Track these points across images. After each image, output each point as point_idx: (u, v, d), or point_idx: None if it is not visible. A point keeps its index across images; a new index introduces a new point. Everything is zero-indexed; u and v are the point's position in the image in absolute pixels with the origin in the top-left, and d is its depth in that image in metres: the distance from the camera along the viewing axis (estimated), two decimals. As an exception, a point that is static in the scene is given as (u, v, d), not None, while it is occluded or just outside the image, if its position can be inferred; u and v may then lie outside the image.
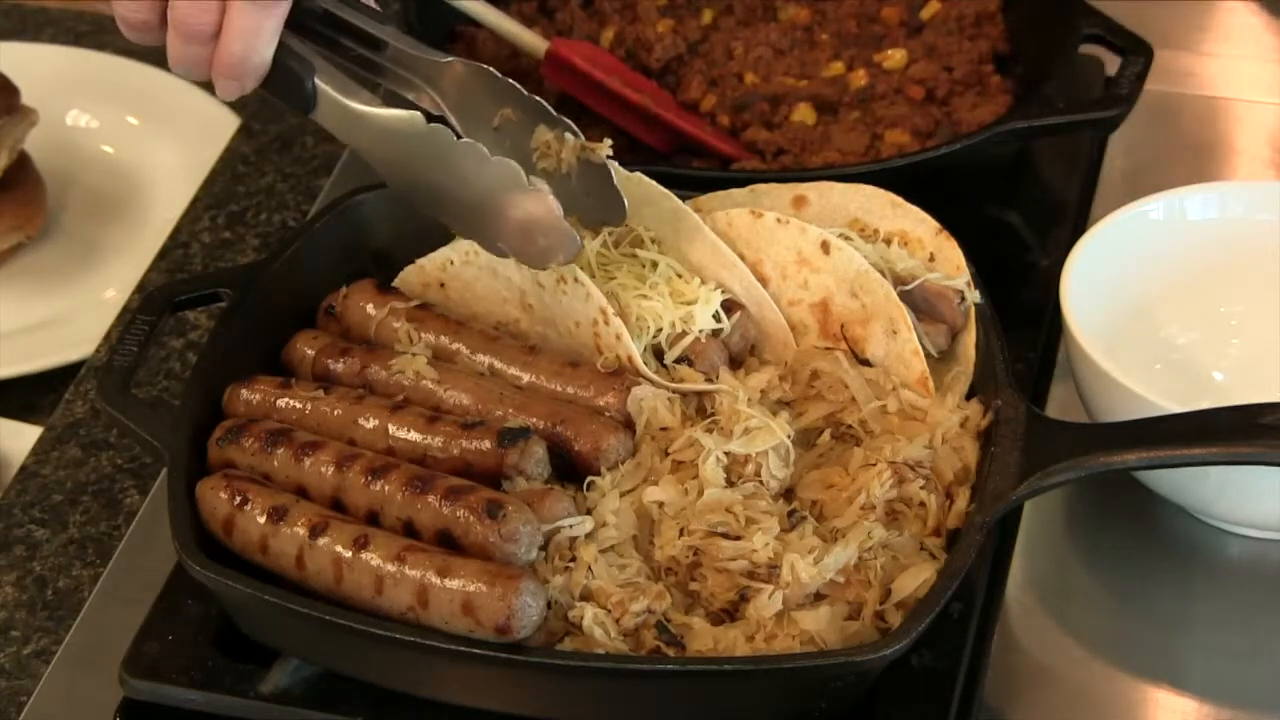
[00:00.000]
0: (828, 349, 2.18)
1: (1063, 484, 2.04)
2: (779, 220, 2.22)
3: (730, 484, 2.05)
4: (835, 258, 2.19)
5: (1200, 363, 2.38)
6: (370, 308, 2.24)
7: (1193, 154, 2.75)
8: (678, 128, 2.57)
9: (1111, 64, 2.58)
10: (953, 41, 2.67)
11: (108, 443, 2.43)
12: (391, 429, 2.09)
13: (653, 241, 2.22)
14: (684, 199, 2.23)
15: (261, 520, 2.02)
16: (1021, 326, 2.34)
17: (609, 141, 2.17)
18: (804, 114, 2.58)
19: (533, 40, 2.62)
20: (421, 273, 2.26)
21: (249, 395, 2.16)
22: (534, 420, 2.09)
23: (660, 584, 2.00)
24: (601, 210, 2.18)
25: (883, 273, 2.18)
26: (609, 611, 1.97)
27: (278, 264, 2.28)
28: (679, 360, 2.15)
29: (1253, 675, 2.15)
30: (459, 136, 2.12)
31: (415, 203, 2.20)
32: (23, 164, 2.89)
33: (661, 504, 2.04)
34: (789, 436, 2.08)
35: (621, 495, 2.05)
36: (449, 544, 1.98)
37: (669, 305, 2.16)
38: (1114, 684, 2.13)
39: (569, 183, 2.17)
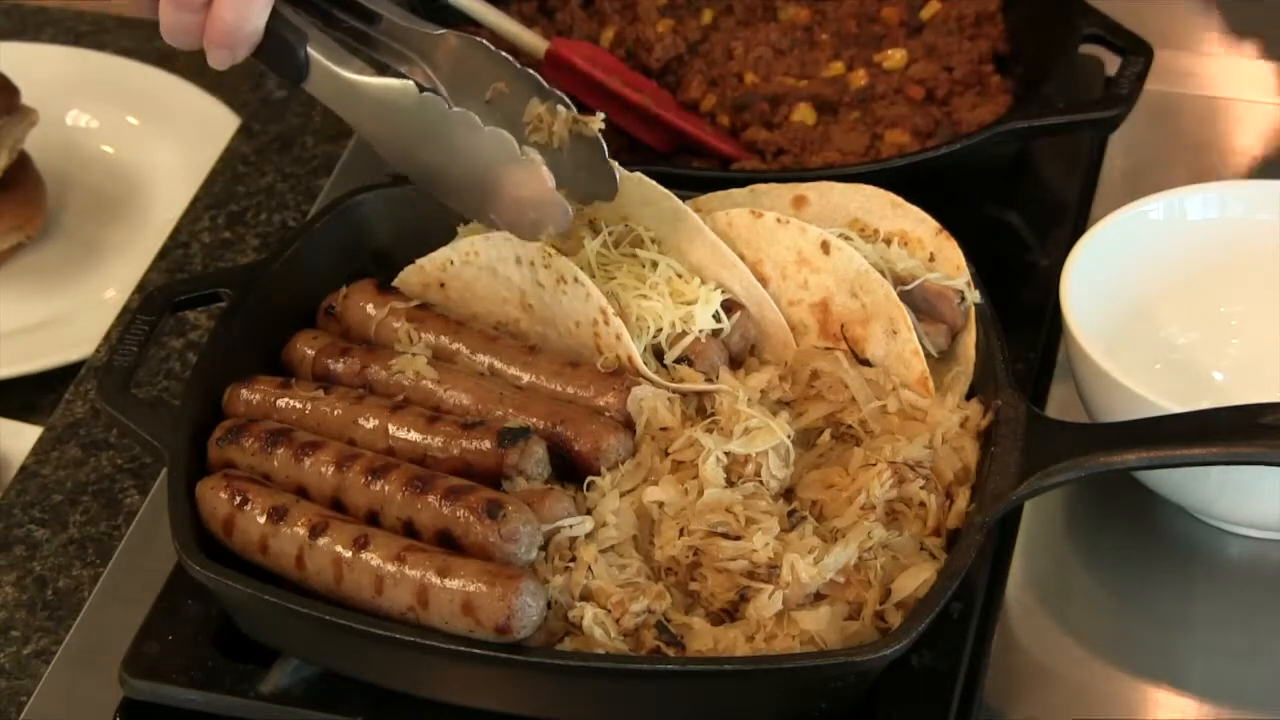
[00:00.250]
0: (828, 349, 2.18)
1: (1063, 484, 2.04)
2: (779, 220, 2.22)
3: (730, 484, 2.05)
4: (835, 258, 2.19)
5: (1200, 363, 2.38)
6: (370, 308, 2.24)
7: (1193, 154, 2.75)
8: (678, 128, 2.57)
9: (1111, 64, 2.58)
10: (953, 41, 2.67)
11: (108, 443, 2.43)
12: (391, 429, 2.09)
13: (653, 241, 2.22)
14: (684, 199, 2.23)
15: (261, 520, 2.02)
16: (1021, 326, 2.34)
17: (602, 115, 2.17)
18: (804, 114, 2.58)
19: (533, 40, 2.62)
20: (421, 273, 2.26)
21: (249, 395, 2.16)
22: (534, 420, 2.09)
23: (660, 584, 2.00)
24: (592, 184, 2.18)
25: (883, 273, 2.18)
26: (609, 611, 1.97)
27: (278, 264, 2.28)
28: (679, 360, 2.15)
29: (1253, 675, 2.15)
30: (451, 107, 2.12)
31: (408, 175, 2.19)
32: (23, 164, 2.89)
33: (661, 504, 2.04)
34: (789, 436, 2.08)
35: (621, 495, 2.05)
36: (449, 544, 1.98)
37: (669, 305, 2.16)
38: (1114, 684, 2.13)
39: (561, 156, 2.17)
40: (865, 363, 2.17)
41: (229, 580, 1.99)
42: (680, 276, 2.19)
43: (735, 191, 2.28)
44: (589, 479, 2.06)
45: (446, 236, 2.27)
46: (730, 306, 2.18)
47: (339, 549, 1.98)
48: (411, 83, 2.13)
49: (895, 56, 2.66)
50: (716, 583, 2.00)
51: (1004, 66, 2.68)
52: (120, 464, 2.41)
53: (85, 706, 2.12)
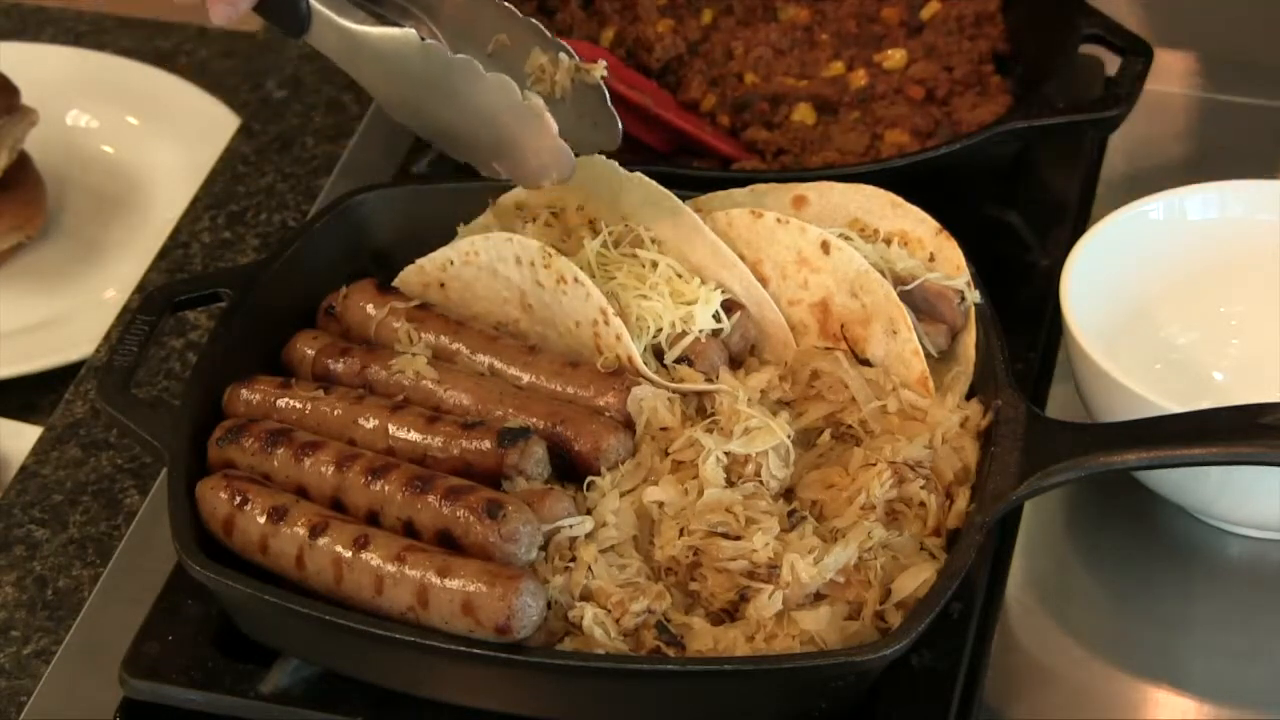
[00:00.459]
0: (828, 349, 2.18)
1: (1063, 484, 2.04)
2: (779, 220, 2.22)
3: (730, 484, 2.05)
4: (835, 258, 2.19)
5: (1200, 363, 2.38)
6: (370, 308, 2.24)
7: (1193, 154, 2.75)
8: (678, 128, 2.57)
9: (1111, 64, 2.58)
10: (953, 41, 2.67)
11: (108, 443, 2.43)
12: (391, 429, 2.09)
13: (653, 241, 2.22)
14: (684, 199, 2.23)
15: (261, 520, 2.02)
16: (1021, 326, 2.34)
17: (604, 63, 2.17)
18: (804, 114, 2.58)
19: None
20: (421, 273, 2.26)
21: (249, 395, 2.16)
22: (534, 420, 2.09)
23: (660, 584, 2.00)
24: (595, 132, 2.18)
25: (883, 273, 2.18)
26: (609, 611, 1.97)
27: (278, 264, 2.28)
28: (679, 360, 2.15)
29: (1253, 675, 2.15)
30: (453, 55, 2.12)
31: (411, 126, 2.19)
32: (23, 164, 2.89)
33: (661, 504, 2.04)
34: (789, 436, 2.08)
35: (621, 495, 2.05)
36: (449, 544, 1.98)
37: (669, 305, 2.17)
38: (1114, 684, 2.14)
39: (564, 106, 2.17)
40: (865, 363, 2.17)
41: (229, 580, 1.99)
42: (680, 276, 2.19)
43: (735, 191, 2.28)
44: (589, 479, 2.06)
45: (446, 236, 2.27)
46: (730, 306, 2.18)
47: (339, 549, 1.98)
48: (413, 32, 2.12)
49: (895, 56, 2.66)
50: (716, 583, 2.00)
51: (1004, 66, 2.68)
52: (120, 464, 2.41)
53: (85, 706, 2.12)
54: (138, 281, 2.66)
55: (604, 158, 2.23)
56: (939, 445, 2.08)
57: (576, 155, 2.12)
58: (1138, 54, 2.53)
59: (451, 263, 2.24)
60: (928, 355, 2.16)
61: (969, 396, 2.14)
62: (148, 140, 3.03)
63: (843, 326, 2.19)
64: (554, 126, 2.08)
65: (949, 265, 2.20)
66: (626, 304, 2.17)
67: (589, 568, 1.99)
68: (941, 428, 2.09)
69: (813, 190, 2.26)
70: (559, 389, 2.13)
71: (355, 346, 2.21)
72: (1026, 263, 2.55)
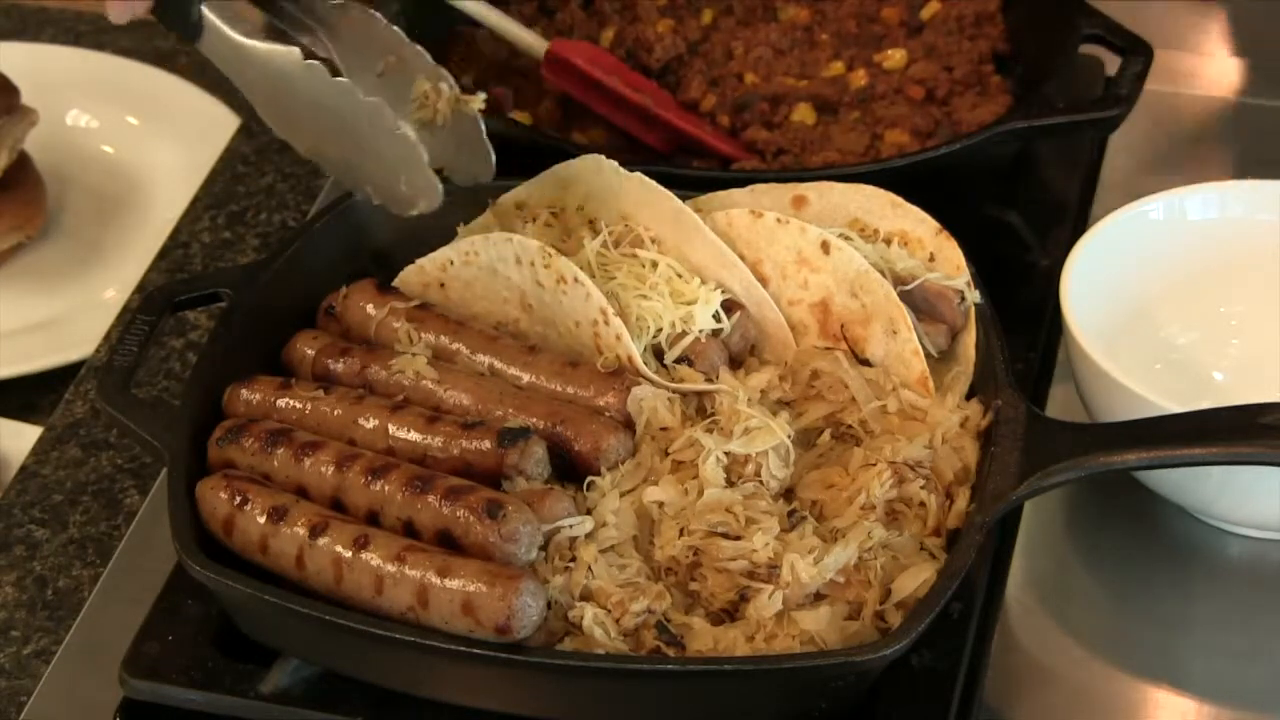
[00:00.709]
0: (828, 349, 2.18)
1: (1063, 484, 2.04)
2: (779, 220, 2.22)
3: (730, 484, 2.05)
4: (835, 258, 2.19)
5: (1200, 363, 2.38)
6: (370, 308, 2.24)
7: (1193, 154, 2.75)
8: (678, 128, 2.57)
9: (1111, 64, 2.58)
10: (953, 41, 2.67)
11: (108, 443, 2.43)
12: (391, 429, 2.09)
13: (653, 241, 2.22)
14: (684, 199, 2.23)
15: (261, 520, 2.02)
16: (1021, 326, 2.34)
17: (483, 95, 2.21)
18: (804, 114, 2.58)
19: (533, 40, 2.62)
20: (421, 273, 2.26)
21: (249, 395, 2.16)
22: (534, 420, 2.09)
23: (660, 584, 2.00)
24: (472, 163, 2.24)
25: (883, 273, 2.18)
26: (609, 611, 1.97)
27: (278, 264, 2.28)
28: (679, 360, 2.15)
29: (1253, 675, 2.15)
30: (334, 76, 2.14)
31: (290, 141, 2.23)
32: (23, 164, 2.89)
33: (661, 504, 2.04)
34: (789, 436, 2.08)
35: (621, 495, 2.05)
36: (449, 544, 1.98)
37: (669, 305, 2.17)
38: (1114, 684, 2.14)
39: (444, 134, 2.21)
40: (865, 363, 2.17)
41: (229, 580, 1.99)
42: (680, 276, 2.19)
43: (735, 191, 2.28)
44: (589, 479, 2.06)
45: (446, 236, 2.27)
46: (730, 306, 2.18)
47: (339, 549, 1.98)
48: (297, 50, 2.16)
49: (895, 56, 2.66)
50: (716, 583, 2.00)
51: (1004, 66, 2.68)
52: (120, 464, 2.41)
53: (85, 706, 2.12)
54: (138, 281, 2.66)
55: (604, 158, 2.24)
56: (939, 445, 2.08)
57: (447, 185, 2.16)
58: (1138, 54, 2.53)
59: (451, 263, 2.24)
60: (928, 355, 2.16)
61: (969, 396, 2.14)
62: (148, 140, 3.03)
63: (843, 326, 2.19)
64: (424, 157, 2.12)
65: (949, 265, 2.20)
66: (626, 304, 2.17)
67: (589, 568, 1.99)
68: (941, 428, 2.09)
69: (813, 190, 2.26)
70: (559, 389, 2.13)
71: (355, 346, 2.21)
72: (1026, 263, 2.55)
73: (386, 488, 2.01)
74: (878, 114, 2.58)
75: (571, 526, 2.01)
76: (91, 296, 2.82)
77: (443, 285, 2.25)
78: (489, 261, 2.21)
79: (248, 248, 2.69)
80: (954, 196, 2.27)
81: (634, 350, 2.13)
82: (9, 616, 2.25)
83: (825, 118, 2.59)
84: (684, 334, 2.16)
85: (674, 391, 2.12)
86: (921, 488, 2.04)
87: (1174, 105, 2.79)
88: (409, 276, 2.27)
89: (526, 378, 2.15)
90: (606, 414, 2.11)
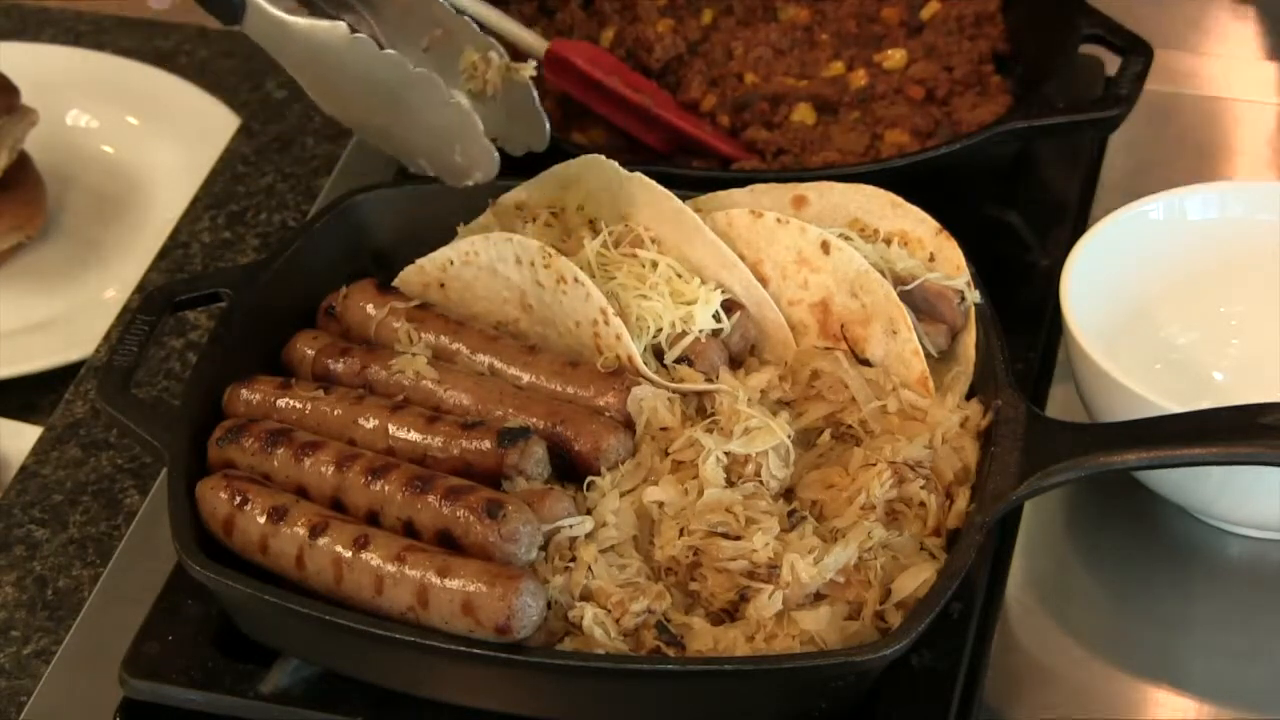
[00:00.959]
0: (828, 349, 2.18)
1: (1063, 484, 2.04)
2: (779, 220, 2.22)
3: (730, 484, 2.05)
4: (835, 258, 2.19)
5: (1200, 363, 2.38)
6: (370, 308, 2.24)
7: (1193, 154, 2.75)
8: (678, 128, 2.57)
9: (1111, 64, 2.58)
10: (953, 41, 2.67)
11: (108, 443, 2.43)
12: (391, 429, 2.09)
13: (653, 241, 2.22)
14: (684, 199, 2.23)
15: (261, 520, 2.02)
16: (1021, 326, 2.34)
17: (533, 62, 2.19)
18: (804, 114, 2.58)
19: (533, 40, 2.61)
20: (421, 273, 2.26)
21: (249, 395, 2.16)
22: (534, 420, 2.09)
23: (660, 584, 2.00)
24: (524, 132, 2.21)
25: (883, 273, 2.18)
26: (609, 611, 1.96)
27: (278, 264, 2.28)
28: (679, 360, 2.15)
29: (1253, 675, 2.15)
30: (381, 49, 2.13)
31: (340, 118, 2.21)
32: (23, 164, 2.89)
33: (661, 504, 2.04)
34: (789, 436, 2.08)
35: (621, 495, 2.05)
36: (449, 544, 1.98)
37: (669, 305, 2.17)
38: (1114, 684, 2.13)
39: (494, 104, 2.19)
40: (865, 363, 2.17)
41: (229, 580, 1.99)
42: (680, 276, 2.19)
43: (735, 191, 2.28)
44: (589, 479, 2.06)
45: (446, 236, 2.27)
46: (730, 306, 2.18)
47: (339, 549, 1.98)
48: (343, 24, 2.14)
49: (895, 56, 2.66)
50: (716, 583, 2.00)
51: (1004, 66, 2.68)
52: (120, 464, 2.41)
53: (85, 706, 2.12)
54: (138, 281, 2.66)
55: (604, 158, 2.24)
56: (939, 445, 2.08)
57: (504, 155, 2.14)
58: (1138, 54, 2.53)
59: (451, 263, 2.24)
60: (928, 355, 2.16)
61: (969, 396, 2.14)
62: (148, 140, 3.03)
63: (843, 326, 2.19)
64: (479, 125, 2.10)
65: (949, 265, 2.20)
66: (626, 304, 2.17)
67: (589, 568, 1.99)
68: (941, 428, 2.09)
69: (813, 190, 2.26)
70: (559, 389, 2.13)
71: (355, 346, 2.21)
72: (1026, 263, 2.55)
73: (386, 488, 2.01)
74: (878, 114, 2.58)
75: (571, 526, 2.01)
76: (91, 296, 2.82)
77: (443, 285, 2.25)
78: (489, 261, 2.21)
79: (248, 248, 2.68)
80: (954, 196, 2.27)
81: (634, 350, 2.13)
82: (9, 616, 2.25)
83: (825, 118, 2.59)
84: (684, 334, 2.16)
85: (674, 391, 2.12)
86: (921, 488, 2.04)
87: (1174, 105, 2.79)
88: (409, 276, 2.27)
89: (526, 378, 2.15)
90: (606, 414, 2.11)
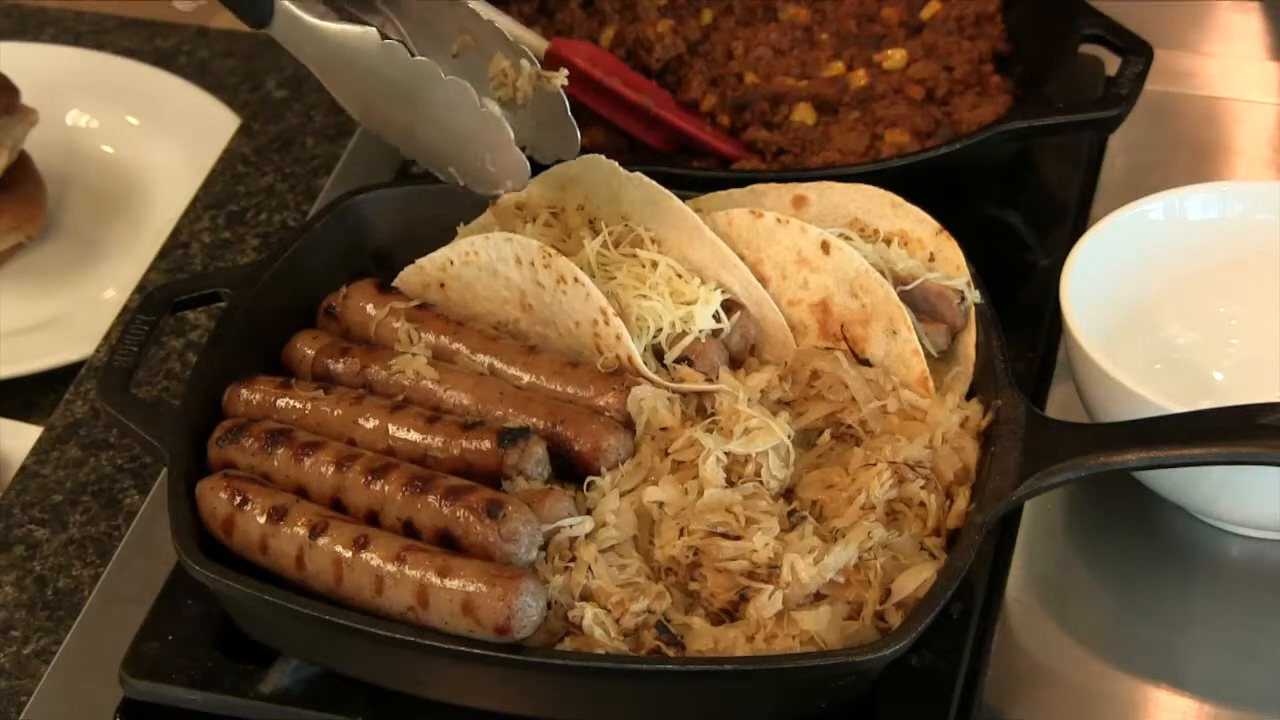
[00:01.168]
0: (828, 349, 2.18)
1: (1063, 484, 2.04)
2: (779, 220, 2.22)
3: (730, 484, 2.05)
4: (835, 258, 2.19)
5: (1200, 363, 2.38)
6: (370, 308, 2.24)
7: (1193, 154, 2.75)
8: (678, 128, 2.57)
9: (1111, 64, 2.58)
10: (953, 41, 2.67)
11: (108, 443, 2.43)
12: (391, 429, 2.09)
13: (653, 241, 2.22)
14: (684, 199, 2.23)
15: (261, 520, 2.02)
16: (1021, 326, 2.34)
17: (565, 71, 2.18)
18: (804, 114, 2.58)
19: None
20: (421, 273, 2.26)
21: (249, 395, 2.16)
22: (534, 420, 2.09)
23: (660, 584, 2.00)
24: (555, 142, 2.19)
25: (883, 273, 2.18)
26: (609, 611, 1.97)
27: (278, 264, 2.28)
28: (679, 360, 2.15)
29: (1253, 675, 2.15)
30: (413, 56, 2.12)
31: (367, 124, 2.19)
32: (23, 164, 2.89)
33: (661, 504, 2.04)
34: (789, 436, 2.08)
35: (621, 495, 2.05)
36: (449, 544, 1.98)
37: (669, 305, 2.17)
38: (1114, 684, 2.13)
39: (524, 113, 2.17)
40: (865, 363, 2.17)
41: (229, 580, 1.99)
42: (680, 276, 2.19)
43: (735, 191, 2.28)
44: (589, 479, 2.06)
45: (446, 236, 2.27)
46: (730, 306, 2.18)
47: (339, 549, 1.98)
48: (374, 30, 2.12)
49: (895, 56, 2.66)
50: (716, 583, 2.00)
51: (1004, 66, 2.68)
52: (120, 464, 2.41)
53: (85, 706, 2.12)
54: (138, 281, 2.66)
55: (604, 158, 2.24)
56: (939, 445, 2.08)
57: (533, 164, 2.13)
58: (1138, 54, 2.53)
59: (451, 263, 2.24)
60: (928, 355, 2.16)
61: (969, 396, 2.14)
62: (148, 140, 3.03)
63: (843, 326, 2.19)
64: (511, 134, 2.09)
65: (949, 265, 2.20)
66: (626, 304, 2.17)
67: (589, 568, 1.99)
68: (941, 428, 2.09)
69: (813, 190, 2.26)
70: (559, 389, 2.13)
71: (355, 346, 2.21)
72: (1026, 263, 2.55)
73: (386, 488, 2.01)
74: (878, 114, 2.58)
75: (571, 526, 2.01)
76: (91, 296, 2.82)
77: (443, 285, 2.25)
78: (489, 261, 2.21)
79: (248, 248, 2.69)
80: (954, 196, 2.27)
81: (634, 350, 2.13)
82: (9, 616, 2.25)
83: (825, 118, 2.59)
84: (684, 334, 2.16)
85: (674, 391, 2.12)
86: (921, 488, 2.04)
87: (1174, 105, 2.79)
88: (409, 276, 2.27)
89: (526, 378, 2.15)
90: (606, 414, 2.11)
